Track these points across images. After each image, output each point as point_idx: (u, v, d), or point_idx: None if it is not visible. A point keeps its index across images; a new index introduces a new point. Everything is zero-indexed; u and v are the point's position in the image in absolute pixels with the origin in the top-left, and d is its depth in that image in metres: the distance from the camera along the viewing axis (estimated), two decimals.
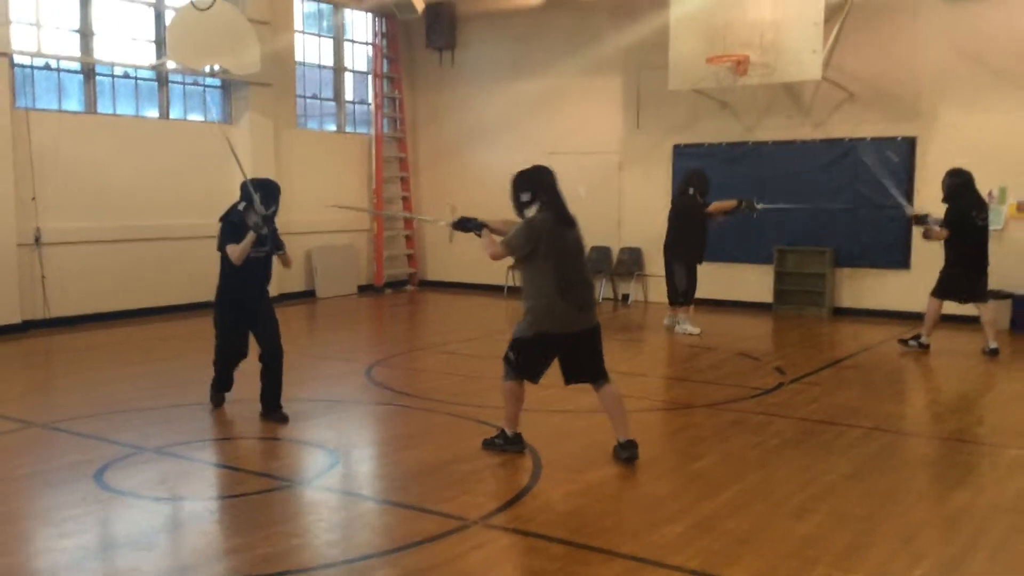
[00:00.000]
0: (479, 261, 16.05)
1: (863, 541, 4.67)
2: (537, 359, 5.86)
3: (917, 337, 10.09)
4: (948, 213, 9.83)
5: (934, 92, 12.24)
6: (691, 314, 11.41)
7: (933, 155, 12.13)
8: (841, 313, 12.99)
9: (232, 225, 6.86)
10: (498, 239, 5.96)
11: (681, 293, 11.32)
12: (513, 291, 15.43)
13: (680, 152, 13.91)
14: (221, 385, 7.33)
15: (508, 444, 6.10)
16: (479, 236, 6.13)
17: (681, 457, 6.18)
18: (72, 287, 11.97)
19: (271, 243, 6.88)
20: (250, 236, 6.71)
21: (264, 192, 6.83)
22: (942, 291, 9.97)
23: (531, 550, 4.58)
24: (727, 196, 11.52)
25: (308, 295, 15.10)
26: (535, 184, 5.87)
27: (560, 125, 15.16)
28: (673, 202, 11.58)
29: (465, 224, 6.22)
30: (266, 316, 7.09)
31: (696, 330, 11.16)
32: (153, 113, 13.20)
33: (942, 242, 9.88)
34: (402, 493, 5.39)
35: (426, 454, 6.18)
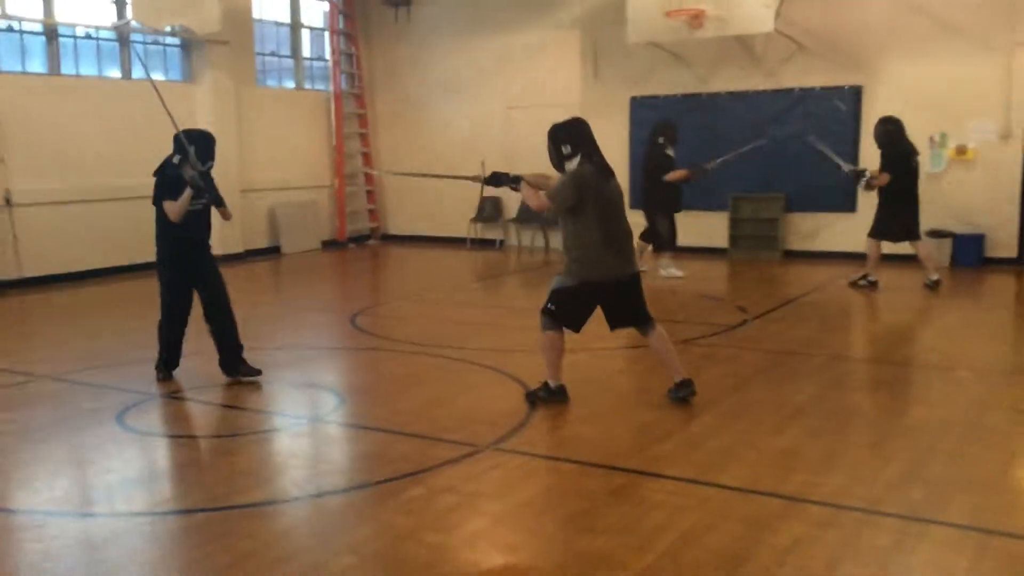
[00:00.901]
0: (439, 215, 16.53)
1: (835, 450, 5.23)
2: (580, 308, 5.94)
3: (865, 276, 10.72)
4: (886, 159, 10.44)
5: (879, 43, 12.81)
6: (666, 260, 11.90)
7: (879, 103, 12.68)
8: (792, 255, 13.63)
9: (167, 179, 6.65)
10: (541, 192, 5.98)
11: (665, 240, 11.79)
12: (477, 243, 15.84)
13: (637, 104, 14.34)
14: (171, 360, 6.91)
15: (551, 395, 6.11)
16: (515, 190, 6.21)
17: (662, 388, 6.64)
18: (44, 247, 12.08)
19: (210, 196, 6.68)
20: (188, 192, 6.52)
21: (199, 145, 6.61)
22: (878, 231, 10.61)
23: (543, 469, 5.05)
24: (687, 145, 12.05)
25: (273, 251, 15.30)
26: (576, 136, 5.87)
27: (519, 79, 15.48)
28: (646, 153, 11.95)
29: (499, 179, 6.24)
30: (210, 271, 6.89)
31: (680, 273, 11.73)
32: (115, 74, 13.22)
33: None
34: (413, 425, 5.80)
35: (426, 391, 6.61)
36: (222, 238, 14.10)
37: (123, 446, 5.54)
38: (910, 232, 10.49)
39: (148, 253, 13.29)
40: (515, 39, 15.40)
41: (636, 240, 11.92)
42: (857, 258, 12.44)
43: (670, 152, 11.55)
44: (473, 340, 8.33)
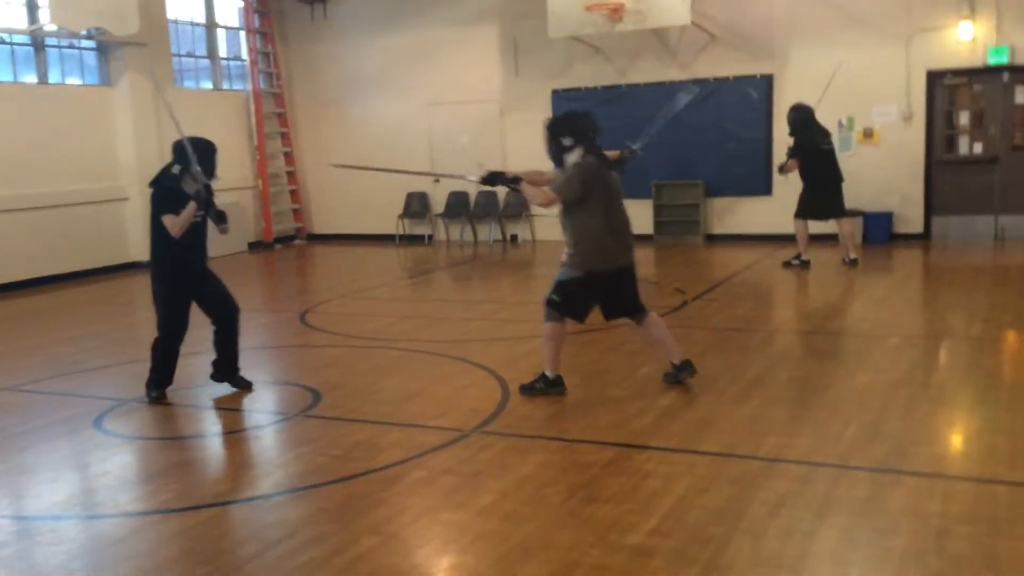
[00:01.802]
0: (365, 212, 16.59)
1: (797, 415, 5.65)
2: (586, 298, 6.02)
3: (798, 256, 11.28)
4: (795, 144, 11.06)
5: (788, 32, 13.45)
6: None
7: (789, 91, 13.31)
8: (714, 239, 14.20)
9: (168, 192, 6.34)
10: (545, 188, 5.98)
11: None
12: (406, 239, 15.97)
13: (559, 96, 14.67)
14: (165, 379, 6.59)
15: (549, 386, 6.12)
16: (514, 190, 6.21)
17: (625, 367, 7.00)
18: None
19: (213, 212, 6.42)
20: (191, 207, 6.27)
21: (201, 155, 6.34)
22: (802, 211, 11.23)
23: (532, 447, 5.31)
24: (610, 136, 12.36)
25: None
26: (576, 129, 5.92)
27: (439, 76, 15.65)
28: None
29: (496, 178, 6.20)
30: (212, 279, 6.72)
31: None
32: (31, 79, 12.91)
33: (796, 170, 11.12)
34: (396, 415, 5.99)
35: (399, 383, 6.79)
36: (148, 243, 13.97)
37: (112, 450, 5.58)
38: (831, 210, 11.10)
39: (72, 262, 13.26)
40: (434, 34, 15.56)
41: None
42: (775, 239, 13.11)
43: None
44: (425, 333, 8.53)
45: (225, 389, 6.74)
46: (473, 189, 15.26)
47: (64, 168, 12.94)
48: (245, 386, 6.73)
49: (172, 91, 14.73)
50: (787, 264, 11.33)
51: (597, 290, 6.03)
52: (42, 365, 7.81)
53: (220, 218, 6.49)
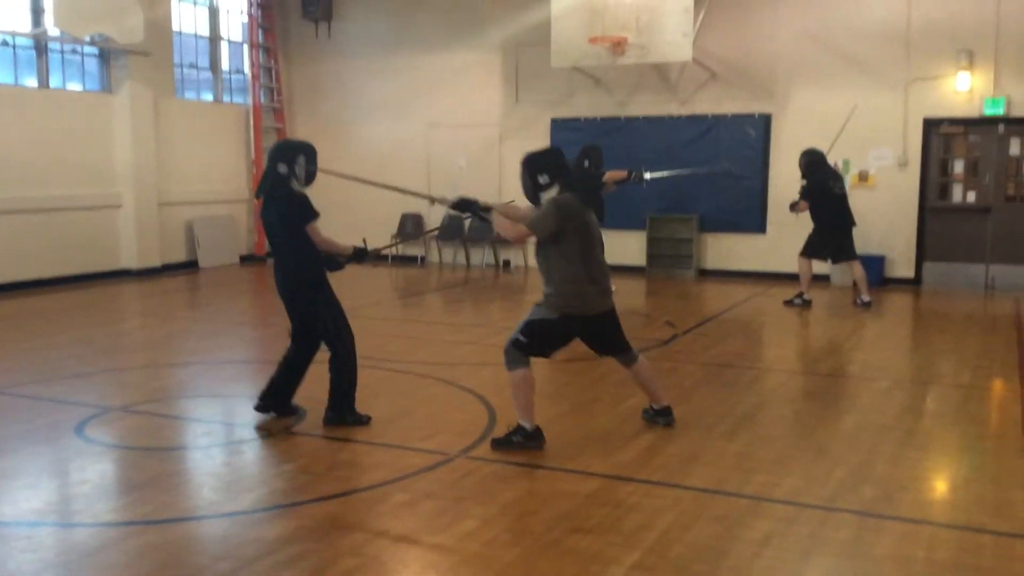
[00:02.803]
0: (359, 231, 16.50)
1: (786, 455, 5.61)
2: (556, 339, 5.77)
3: (800, 295, 11.30)
4: (806, 187, 11.14)
5: (788, 73, 13.55)
6: None
7: (787, 130, 13.47)
8: (706, 274, 14.22)
9: (299, 196, 5.98)
10: (519, 222, 5.74)
11: None
12: (398, 260, 15.94)
13: (558, 125, 14.73)
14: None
15: (528, 440, 5.65)
16: (484, 219, 6.02)
17: (612, 398, 6.97)
18: None
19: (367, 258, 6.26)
20: (346, 248, 6.10)
21: (308, 159, 6.01)
22: (808, 251, 11.31)
23: (517, 475, 5.27)
24: (607, 167, 12.43)
25: (190, 265, 15.10)
26: (553, 166, 5.74)
27: (441, 99, 15.70)
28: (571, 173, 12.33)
29: (467, 206, 6.04)
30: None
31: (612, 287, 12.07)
32: (32, 82, 12.90)
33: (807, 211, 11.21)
34: (381, 436, 5.94)
35: (385, 403, 6.73)
36: (140, 251, 13.98)
37: (93, 458, 5.52)
38: (839, 253, 11.21)
39: (63, 266, 13.18)
40: (436, 57, 15.63)
41: None
42: (767, 277, 13.15)
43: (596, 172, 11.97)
44: (413, 354, 8.50)
45: (211, 401, 6.68)
46: (468, 214, 15.23)
47: (60, 172, 12.91)
48: (363, 422, 6.15)
49: (172, 101, 14.79)
50: (789, 303, 11.33)
51: (568, 333, 5.78)
52: (27, 369, 7.74)
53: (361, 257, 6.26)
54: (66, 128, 13.00)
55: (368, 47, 16.21)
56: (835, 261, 11.41)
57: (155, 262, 14.22)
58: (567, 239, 5.62)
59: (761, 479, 5.15)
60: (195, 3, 15.57)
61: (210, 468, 5.39)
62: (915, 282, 13.17)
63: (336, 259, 6.19)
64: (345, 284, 14.01)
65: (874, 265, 13.13)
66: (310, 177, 6.07)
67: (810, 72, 13.42)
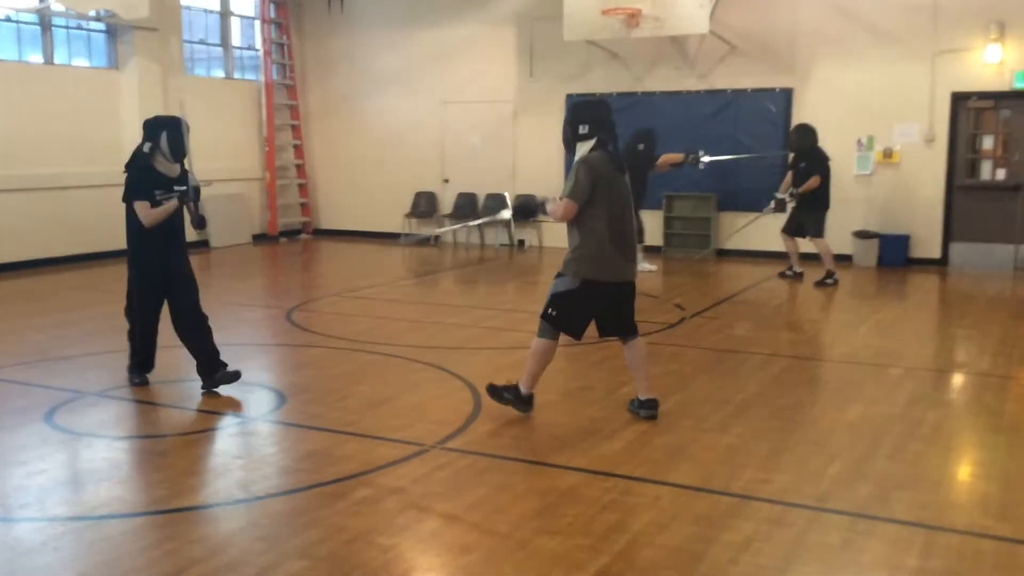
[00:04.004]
0: (372, 210, 16.34)
1: (781, 448, 5.29)
2: (582, 310, 5.58)
3: (831, 275, 11.02)
4: (813, 163, 10.94)
5: (810, 46, 13.05)
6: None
7: (809, 105, 12.99)
8: (724, 254, 13.82)
9: (140, 172, 6.15)
10: (561, 200, 5.54)
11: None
12: (410, 238, 15.69)
13: (573, 101, 14.35)
14: (144, 364, 6.48)
15: (518, 402, 5.78)
16: (544, 211, 5.85)
17: (607, 385, 6.66)
18: None
19: (196, 219, 6.27)
20: (171, 204, 6.12)
21: (170, 132, 6.11)
22: (818, 230, 11.12)
23: (492, 468, 4.99)
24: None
25: (202, 244, 14.92)
26: (595, 119, 5.55)
27: (454, 75, 15.38)
28: (623, 155, 12.10)
29: (525, 211, 6.00)
30: (186, 279, 6.42)
31: (652, 267, 12.11)
32: (37, 59, 12.74)
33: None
34: (357, 424, 5.69)
35: (369, 390, 6.49)
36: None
37: (54, 447, 5.32)
38: (817, 230, 11.08)
39: (69, 245, 13.07)
40: (450, 34, 15.29)
41: None
42: (786, 257, 12.70)
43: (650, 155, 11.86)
44: (411, 337, 8.24)
45: (192, 386, 6.47)
46: (482, 192, 14.98)
47: (65, 150, 12.77)
48: (231, 379, 6.35)
49: (181, 78, 14.58)
50: (820, 283, 11.00)
51: (593, 302, 5.56)
52: (8, 352, 7.58)
53: (200, 223, 6.34)
54: (72, 105, 12.84)
55: (381, 22, 15.90)
56: (806, 236, 11.27)
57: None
58: (595, 201, 5.45)
59: (750, 475, 4.84)
60: None
61: (173, 459, 5.16)
62: (941, 262, 12.68)
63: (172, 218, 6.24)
64: (355, 262, 13.96)
65: (898, 244, 12.68)
66: (176, 152, 6.18)
67: (833, 44, 12.91)
